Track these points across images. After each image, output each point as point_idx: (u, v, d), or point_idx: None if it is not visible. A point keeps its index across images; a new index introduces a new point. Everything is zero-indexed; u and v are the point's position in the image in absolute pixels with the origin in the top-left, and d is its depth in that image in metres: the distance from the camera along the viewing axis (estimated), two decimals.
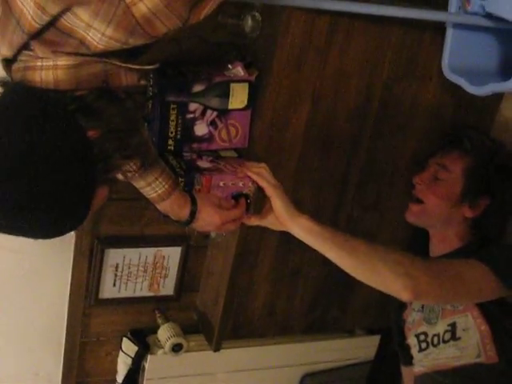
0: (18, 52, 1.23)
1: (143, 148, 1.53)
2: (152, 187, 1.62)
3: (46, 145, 1.17)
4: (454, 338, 2.05)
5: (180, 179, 1.78)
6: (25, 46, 1.22)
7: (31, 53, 1.22)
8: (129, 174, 1.57)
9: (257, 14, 1.89)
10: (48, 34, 1.19)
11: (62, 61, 1.21)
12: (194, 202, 1.70)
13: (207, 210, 1.73)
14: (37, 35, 1.19)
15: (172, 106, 1.87)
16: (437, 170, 2.16)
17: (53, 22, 1.17)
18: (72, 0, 1.14)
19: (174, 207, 1.68)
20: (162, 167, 1.64)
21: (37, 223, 1.22)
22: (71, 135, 1.21)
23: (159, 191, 1.63)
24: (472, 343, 2.01)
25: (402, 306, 2.31)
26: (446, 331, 2.08)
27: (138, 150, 1.48)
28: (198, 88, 1.89)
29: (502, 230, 2.22)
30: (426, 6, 1.92)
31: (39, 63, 1.22)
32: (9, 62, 1.28)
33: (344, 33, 1.93)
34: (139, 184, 1.62)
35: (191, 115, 1.91)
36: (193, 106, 1.90)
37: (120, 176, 1.59)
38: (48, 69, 1.22)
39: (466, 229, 2.17)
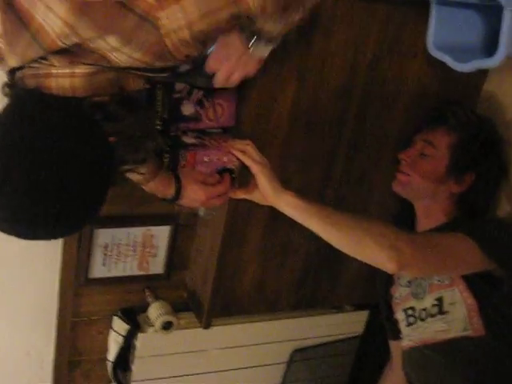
0: (29, 63, 1.24)
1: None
2: (137, 170, 1.63)
3: (71, 151, 1.20)
4: (441, 312, 2.08)
5: (165, 155, 1.80)
6: (39, 59, 1.22)
7: (44, 61, 1.23)
8: None
9: None
10: (70, 50, 1.20)
11: (80, 69, 1.23)
12: (178, 181, 1.73)
13: (192, 186, 1.76)
14: (57, 52, 1.19)
15: (158, 85, 1.87)
16: (423, 146, 2.18)
17: (80, 44, 1.18)
18: (109, 29, 1.16)
19: (159, 187, 1.72)
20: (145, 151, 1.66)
21: (60, 224, 1.25)
22: (95, 142, 1.24)
23: (146, 173, 1.65)
24: (459, 317, 2.03)
25: (389, 281, 2.34)
26: (433, 305, 2.10)
27: (149, 155, 1.52)
28: (184, 68, 1.89)
29: (488, 205, 2.24)
30: None
31: (54, 70, 1.23)
32: (13, 71, 1.28)
33: (328, 11, 1.93)
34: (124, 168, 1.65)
35: (178, 95, 1.91)
36: (179, 86, 1.91)
37: None
38: (64, 76, 1.23)
39: (451, 204, 2.20)
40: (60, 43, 1.16)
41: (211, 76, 1.58)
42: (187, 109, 1.95)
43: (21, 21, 1.17)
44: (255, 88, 1.96)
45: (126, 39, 1.18)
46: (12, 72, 1.28)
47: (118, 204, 2.11)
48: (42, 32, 1.16)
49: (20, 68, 1.26)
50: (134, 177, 1.66)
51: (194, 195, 1.77)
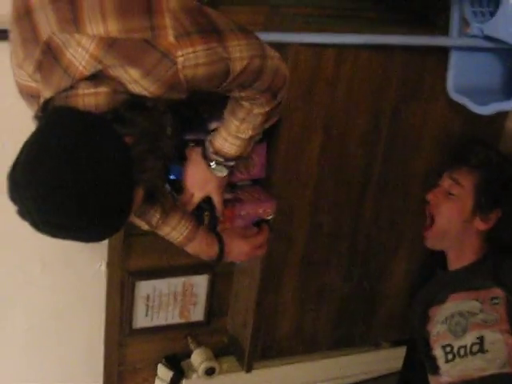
0: (61, 92, 1.35)
1: (172, 151, 1.64)
2: (177, 230, 1.72)
3: (92, 151, 1.28)
4: (481, 350, 2.10)
5: (206, 213, 1.84)
6: (70, 87, 1.34)
7: (73, 89, 1.34)
8: (154, 223, 1.69)
9: None
10: (94, 76, 1.32)
11: (102, 89, 1.34)
12: (220, 239, 1.79)
13: (234, 242, 1.83)
14: (84, 79, 1.32)
15: (190, 143, 1.96)
16: (450, 185, 2.24)
17: (102, 70, 1.31)
18: (133, 63, 1.30)
19: (202, 247, 1.78)
20: (182, 210, 1.74)
21: (89, 224, 1.31)
22: (112, 141, 1.33)
23: (184, 233, 1.73)
24: (499, 356, 2.07)
25: (424, 318, 2.38)
26: (473, 344, 2.13)
27: (167, 151, 1.59)
28: (214, 125, 1.98)
29: None
30: (428, 31, 2.02)
31: (81, 91, 1.34)
32: (47, 102, 1.39)
33: (350, 63, 2.01)
34: (165, 231, 1.73)
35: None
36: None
37: (146, 226, 1.70)
38: (90, 95, 1.34)
39: (479, 242, 2.24)
40: (86, 72, 1.30)
41: None
42: None
43: (55, 58, 1.32)
44: (283, 141, 2.04)
45: (146, 72, 1.31)
46: (45, 103, 1.39)
47: (157, 257, 2.20)
48: (71, 67, 1.30)
49: (53, 98, 1.37)
50: (176, 238, 1.74)
51: (239, 249, 1.83)
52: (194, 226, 1.75)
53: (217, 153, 1.66)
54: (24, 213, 1.29)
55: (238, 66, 1.41)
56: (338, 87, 2.03)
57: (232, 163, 1.69)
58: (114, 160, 1.31)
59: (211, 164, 1.68)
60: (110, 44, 1.29)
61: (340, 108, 2.07)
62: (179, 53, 1.32)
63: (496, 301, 2.13)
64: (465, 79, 2.06)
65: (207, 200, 1.80)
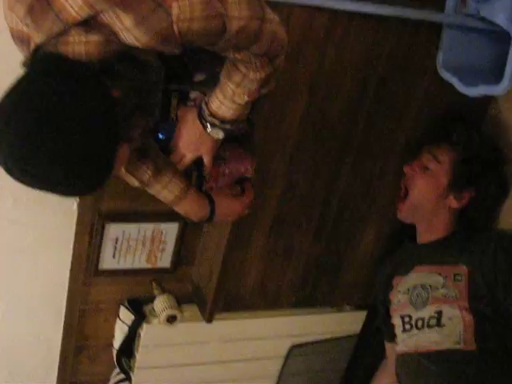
0: (53, 37, 1.33)
1: (160, 109, 1.62)
2: (168, 189, 1.73)
3: (75, 101, 1.26)
4: (438, 324, 2.16)
5: (193, 172, 1.84)
6: (61, 33, 1.31)
7: (65, 35, 1.32)
8: (145, 180, 1.69)
9: None
10: (86, 22, 1.30)
11: (93, 37, 1.32)
12: (210, 199, 1.80)
13: (225, 202, 1.84)
14: (76, 24, 1.29)
15: (173, 93, 1.94)
16: (428, 160, 2.25)
17: (95, 16, 1.28)
18: (127, 7, 1.27)
19: (193, 207, 1.78)
20: (174, 169, 1.73)
21: (67, 175, 1.29)
22: (96, 91, 1.31)
23: (176, 192, 1.73)
24: (454, 332, 2.11)
25: (388, 286, 2.42)
26: (431, 317, 2.18)
27: (156, 108, 1.58)
28: (199, 77, 1.95)
29: (487, 222, 2.31)
30: (422, 5, 2.00)
31: (71, 39, 1.31)
32: (37, 49, 1.37)
33: (342, 29, 2.00)
34: (156, 188, 1.73)
35: (192, 103, 1.97)
36: (193, 94, 1.97)
37: (136, 183, 1.70)
38: (80, 44, 1.32)
39: (450, 219, 2.28)
40: (78, 17, 1.28)
41: None
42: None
43: (47, 2, 1.29)
44: (268, 98, 2.01)
45: (139, 21, 1.28)
46: (36, 50, 1.37)
47: (130, 200, 2.18)
48: (63, 11, 1.28)
49: (44, 44, 1.35)
50: (167, 197, 1.74)
51: (229, 209, 1.85)
52: (186, 186, 1.74)
53: (213, 115, 1.63)
54: (0, 159, 1.27)
55: (234, 26, 1.39)
56: (327, 51, 2.02)
57: (228, 126, 1.65)
58: (96, 111, 1.29)
59: (207, 126, 1.65)
60: None
61: (327, 72, 2.05)
62: (174, 4, 1.30)
63: (459, 277, 2.17)
64: (455, 58, 2.05)
65: (195, 160, 1.80)
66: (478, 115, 2.33)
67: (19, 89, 1.28)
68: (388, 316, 2.41)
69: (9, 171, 1.27)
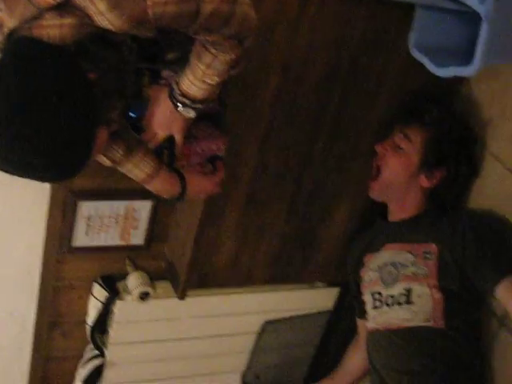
0: (26, 22, 1.32)
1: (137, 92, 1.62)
2: (140, 168, 1.73)
3: (51, 85, 1.26)
4: (408, 301, 2.20)
5: (164, 151, 1.83)
6: (34, 17, 1.30)
7: (38, 19, 1.31)
8: (116, 159, 1.70)
9: None
10: (60, 7, 1.28)
11: (68, 20, 1.31)
12: (181, 177, 1.80)
13: (196, 180, 1.84)
14: (50, 8, 1.28)
15: (145, 72, 1.93)
16: (400, 139, 2.27)
17: (68, 1, 1.28)
18: None
19: (165, 185, 1.79)
20: (145, 147, 1.74)
21: (46, 162, 1.29)
22: (73, 76, 1.31)
23: (147, 170, 1.73)
24: (424, 309, 2.16)
25: (359, 263, 2.45)
26: (401, 294, 2.22)
27: (133, 90, 1.58)
28: (171, 56, 1.95)
29: (458, 201, 2.33)
30: None
31: (45, 23, 1.31)
32: (11, 34, 1.36)
33: (314, 8, 1.99)
34: (127, 167, 1.73)
35: (164, 81, 1.97)
36: (166, 73, 1.96)
37: (108, 162, 1.70)
38: (54, 27, 1.31)
39: (422, 198, 2.30)
40: (52, 1, 1.27)
41: None
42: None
43: None
44: (239, 77, 2.01)
45: (114, 5, 1.27)
46: (10, 35, 1.36)
47: (102, 178, 2.19)
48: None
49: (17, 28, 1.34)
50: (138, 175, 1.74)
51: (200, 187, 1.86)
52: (157, 164, 1.75)
53: (184, 95, 1.64)
54: None
55: (207, 9, 1.38)
56: (300, 30, 2.01)
57: (199, 105, 1.66)
58: (73, 95, 1.29)
59: (178, 105, 1.65)
60: None
61: (299, 51, 2.05)
62: None
63: (428, 256, 2.20)
64: (427, 38, 2.05)
65: (167, 138, 1.80)
66: (450, 94, 2.34)
67: None
68: (359, 293, 2.44)
69: None
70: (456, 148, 2.24)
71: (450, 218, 2.25)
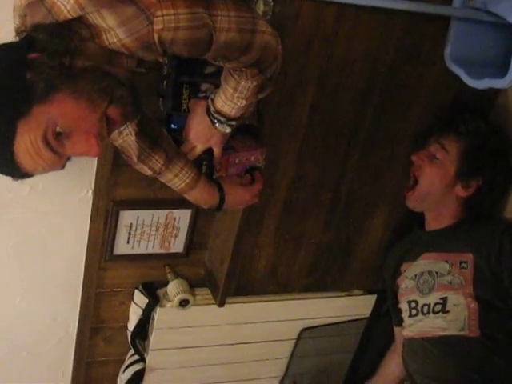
0: None
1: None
2: (179, 177, 1.78)
3: None
4: (443, 310, 2.22)
5: (204, 162, 1.88)
6: None
7: None
8: (157, 169, 1.75)
9: None
10: (75, 20, 1.33)
11: None
12: (220, 188, 1.84)
13: (234, 191, 1.89)
14: (67, 21, 1.33)
15: (185, 85, 1.98)
16: (436, 149, 2.28)
17: (82, 16, 1.32)
18: (105, 6, 1.30)
19: (204, 195, 1.83)
20: (185, 158, 1.79)
21: None
22: (8, 54, 1.32)
23: (187, 180, 1.78)
24: (459, 318, 2.17)
25: (396, 271, 2.47)
26: (436, 303, 2.24)
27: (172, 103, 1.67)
28: (210, 69, 1.99)
29: (493, 210, 2.34)
30: None
31: None
32: None
33: (351, 21, 2.02)
34: (167, 177, 1.78)
35: (203, 94, 2.01)
36: (204, 86, 2.01)
37: (149, 171, 1.76)
38: None
39: (458, 207, 2.32)
40: (69, 15, 1.31)
41: None
42: None
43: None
44: (276, 89, 2.05)
45: (122, 22, 1.31)
46: None
47: (143, 188, 2.24)
48: (55, 7, 1.31)
49: None
50: (178, 185, 1.79)
51: (239, 198, 1.90)
52: (196, 174, 1.80)
53: (218, 113, 1.70)
54: None
55: (222, 37, 1.41)
56: (336, 44, 2.04)
57: (234, 122, 1.73)
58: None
59: (215, 122, 1.72)
60: None
61: (336, 64, 2.08)
62: (159, 13, 1.32)
63: (464, 265, 2.22)
64: (462, 50, 2.07)
65: (205, 150, 1.85)
66: (486, 104, 2.35)
67: None
68: (396, 301, 2.46)
69: None
70: (492, 158, 2.25)
71: (487, 227, 2.27)
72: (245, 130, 2.10)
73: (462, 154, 2.24)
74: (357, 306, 2.70)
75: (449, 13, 2.01)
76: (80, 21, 1.32)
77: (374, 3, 1.92)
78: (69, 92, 1.29)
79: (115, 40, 1.34)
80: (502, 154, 2.27)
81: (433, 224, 2.37)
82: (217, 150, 1.81)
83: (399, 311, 2.43)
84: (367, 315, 2.73)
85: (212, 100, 1.70)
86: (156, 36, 1.33)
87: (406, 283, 2.39)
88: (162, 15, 1.32)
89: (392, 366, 2.59)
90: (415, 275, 2.35)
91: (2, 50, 1.33)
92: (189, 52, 1.43)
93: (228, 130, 1.73)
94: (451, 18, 2.04)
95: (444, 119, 2.30)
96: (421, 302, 2.29)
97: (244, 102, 1.63)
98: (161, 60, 1.44)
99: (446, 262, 2.26)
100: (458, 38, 2.05)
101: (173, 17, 1.33)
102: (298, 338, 2.68)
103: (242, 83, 1.58)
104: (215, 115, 1.69)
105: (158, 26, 1.32)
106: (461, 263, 2.22)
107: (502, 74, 1.90)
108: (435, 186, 2.28)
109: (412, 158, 2.31)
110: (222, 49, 1.43)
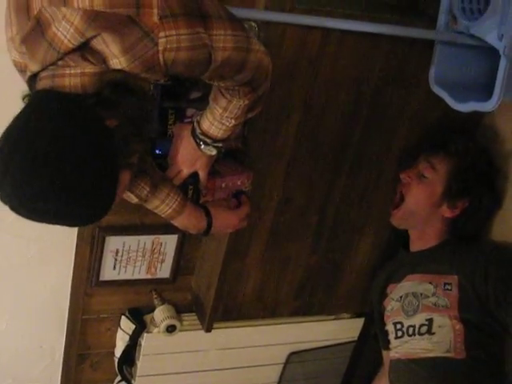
0: (48, 66, 1.36)
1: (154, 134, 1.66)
2: (166, 203, 1.76)
3: (72, 138, 1.28)
4: (429, 332, 2.21)
5: (190, 187, 1.88)
6: (55, 62, 1.34)
7: (60, 62, 1.35)
8: (143, 196, 1.74)
9: (253, 23, 1.99)
10: (80, 51, 1.33)
11: (89, 69, 1.34)
12: (207, 212, 1.84)
13: (221, 215, 1.87)
14: (69, 52, 1.32)
15: (170, 111, 1.98)
16: (425, 168, 2.28)
17: (86, 43, 1.31)
18: (108, 33, 1.30)
19: (191, 220, 1.82)
20: (170, 184, 1.78)
21: (72, 210, 1.31)
22: (92, 126, 1.33)
23: (173, 205, 1.77)
24: (445, 340, 2.17)
25: (382, 294, 2.47)
26: (422, 325, 2.23)
27: (152, 133, 1.62)
28: (195, 95, 2.00)
29: (479, 232, 2.35)
30: (414, 22, 2.03)
31: (67, 71, 1.34)
32: (34, 76, 1.40)
33: (335, 45, 2.03)
34: (154, 204, 1.77)
35: (188, 119, 2.02)
36: (190, 112, 2.01)
37: (135, 199, 1.75)
38: (76, 76, 1.34)
39: (443, 227, 2.33)
40: (71, 45, 1.30)
41: None
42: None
43: (41, 31, 1.32)
44: (262, 114, 2.05)
45: (126, 49, 1.31)
46: (32, 78, 1.40)
47: (129, 213, 2.24)
48: (56, 39, 1.30)
49: (39, 72, 1.38)
50: (165, 211, 1.78)
51: (226, 222, 1.89)
52: (182, 199, 1.78)
53: (204, 134, 1.69)
54: (4, 198, 1.28)
55: (219, 57, 1.42)
56: (321, 67, 2.05)
57: (220, 144, 1.72)
58: (94, 145, 1.32)
59: (200, 144, 1.71)
60: (93, 17, 1.29)
61: (321, 88, 2.09)
62: (162, 34, 1.32)
63: (449, 287, 2.22)
64: (447, 73, 2.07)
65: (191, 174, 1.84)
66: (471, 125, 2.36)
67: (17, 129, 1.30)
68: (383, 323, 2.46)
69: (14, 210, 1.29)
70: (479, 179, 2.26)
71: (472, 248, 2.27)
72: (231, 155, 2.12)
73: (451, 173, 2.25)
74: (344, 329, 2.69)
75: (432, 37, 2.02)
76: (88, 48, 1.32)
77: (359, 28, 1.93)
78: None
79: (120, 66, 1.34)
80: (490, 176, 2.28)
81: (417, 244, 2.37)
82: (202, 174, 1.80)
83: (386, 333, 2.42)
84: (355, 338, 2.72)
85: (198, 122, 1.69)
86: (161, 57, 1.33)
87: (391, 305, 2.38)
88: (165, 36, 1.32)
89: None
90: (400, 297, 2.35)
91: (69, 108, 1.33)
92: (189, 72, 1.43)
93: (214, 152, 1.73)
94: (435, 41, 2.05)
95: (433, 138, 2.30)
96: (406, 323, 2.28)
97: (233, 121, 1.63)
98: (162, 81, 1.45)
99: (430, 283, 2.26)
100: (442, 61, 2.06)
101: (175, 37, 1.33)
102: (286, 363, 2.66)
103: (234, 102, 1.58)
104: (201, 137, 1.69)
105: (161, 47, 1.32)
106: (445, 285, 2.22)
107: (487, 97, 1.91)
108: (421, 205, 2.28)
109: (400, 176, 2.31)
110: (218, 68, 1.44)
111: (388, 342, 2.40)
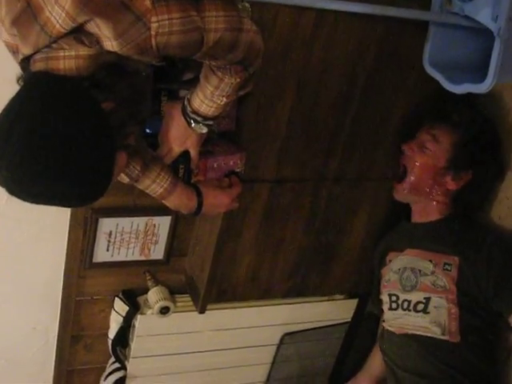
0: (40, 49, 1.36)
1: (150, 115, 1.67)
2: (157, 183, 1.76)
3: (68, 120, 1.29)
4: (424, 310, 2.20)
5: (181, 166, 1.87)
6: (47, 46, 1.35)
7: (54, 45, 1.35)
8: (134, 176, 1.73)
9: (247, 4, 1.97)
10: (73, 34, 1.33)
11: (83, 51, 1.35)
12: (198, 191, 1.84)
13: (213, 193, 1.88)
14: (62, 37, 1.32)
15: (163, 92, 1.96)
16: (427, 140, 2.24)
17: (79, 28, 1.32)
18: (101, 18, 1.30)
19: (182, 199, 1.82)
20: (161, 163, 1.78)
21: (69, 191, 1.33)
22: (88, 108, 1.34)
23: (164, 185, 1.77)
24: (439, 320, 2.16)
25: (382, 260, 2.46)
26: (418, 302, 2.23)
27: (147, 115, 1.62)
28: (188, 76, 1.99)
29: (482, 205, 2.33)
30: (409, 2, 2.02)
31: (61, 53, 1.35)
32: (27, 58, 1.40)
33: (329, 26, 2.02)
34: (145, 184, 1.76)
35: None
36: (183, 93, 2.00)
37: (126, 179, 1.74)
38: (70, 58, 1.35)
39: (446, 201, 2.29)
40: (63, 30, 1.31)
41: None
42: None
43: (33, 14, 1.32)
44: (255, 94, 2.04)
45: (119, 34, 1.32)
46: (25, 60, 1.40)
47: (122, 195, 2.23)
48: (48, 23, 1.31)
49: (32, 54, 1.38)
50: (156, 191, 1.77)
51: (218, 201, 1.90)
52: (173, 179, 1.79)
53: (195, 112, 1.69)
54: (1, 182, 1.29)
55: (211, 38, 1.43)
56: (315, 48, 2.04)
57: (211, 122, 1.72)
58: (90, 127, 1.32)
59: (191, 122, 1.71)
60: (85, 2, 1.29)
61: (314, 69, 2.07)
62: (154, 18, 1.33)
63: (448, 267, 2.20)
64: (441, 55, 2.07)
65: (182, 153, 1.84)
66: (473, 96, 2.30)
67: (12, 112, 1.30)
68: (379, 291, 2.46)
69: (12, 193, 1.30)
70: (484, 151, 2.22)
71: (476, 232, 2.25)
72: (224, 136, 2.11)
73: (455, 145, 2.21)
74: (338, 310, 2.70)
75: (427, 18, 2.01)
76: (82, 31, 1.32)
77: (353, 9, 1.92)
78: None
79: (112, 48, 1.35)
80: (494, 148, 2.25)
81: (419, 217, 2.34)
82: (193, 152, 1.81)
83: (380, 302, 2.42)
84: (349, 319, 2.73)
85: (188, 100, 1.69)
86: (153, 41, 1.34)
87: (389, 275, 2.37)
88: (158, 21, 1.33)
89: (378, 360, 2.52)
90: (399, 269, 2.33)
91: (65, 89, 1.33)
92: (181, 53, 1.44)
93: (204, 130, 1.73)
94: (430, 22, 2.04)
95: (436, 109, 2.26)
96: (401, 297, 2.28)
97: (224, 99, 1.63)
98: (155, 62, 1.44)
99: (430, 261, 2.24)
100: (436, 43, 2.05)
101: (167, 22, 1.34)
102: (280, 344, 2.67)
103: (225, 80, 1.58)
104: (191, 115, 1.69)
105: (154, 32, 1.33)
106: (445, 264, 2.20)
107: (481, 78, 1.90)
108: (424, 177, 2.24)
109: (402, 148, 2.28)
110: (210, 49, 1.44)
111: (382, 310, 2.41)
